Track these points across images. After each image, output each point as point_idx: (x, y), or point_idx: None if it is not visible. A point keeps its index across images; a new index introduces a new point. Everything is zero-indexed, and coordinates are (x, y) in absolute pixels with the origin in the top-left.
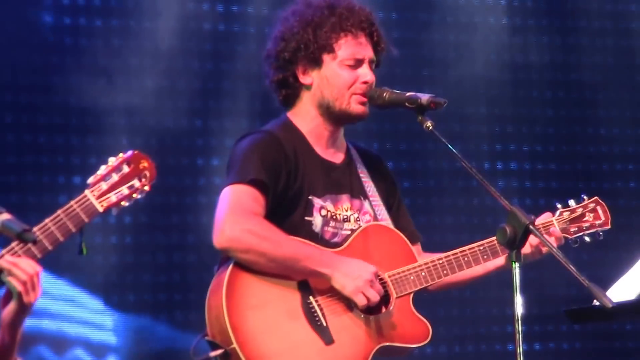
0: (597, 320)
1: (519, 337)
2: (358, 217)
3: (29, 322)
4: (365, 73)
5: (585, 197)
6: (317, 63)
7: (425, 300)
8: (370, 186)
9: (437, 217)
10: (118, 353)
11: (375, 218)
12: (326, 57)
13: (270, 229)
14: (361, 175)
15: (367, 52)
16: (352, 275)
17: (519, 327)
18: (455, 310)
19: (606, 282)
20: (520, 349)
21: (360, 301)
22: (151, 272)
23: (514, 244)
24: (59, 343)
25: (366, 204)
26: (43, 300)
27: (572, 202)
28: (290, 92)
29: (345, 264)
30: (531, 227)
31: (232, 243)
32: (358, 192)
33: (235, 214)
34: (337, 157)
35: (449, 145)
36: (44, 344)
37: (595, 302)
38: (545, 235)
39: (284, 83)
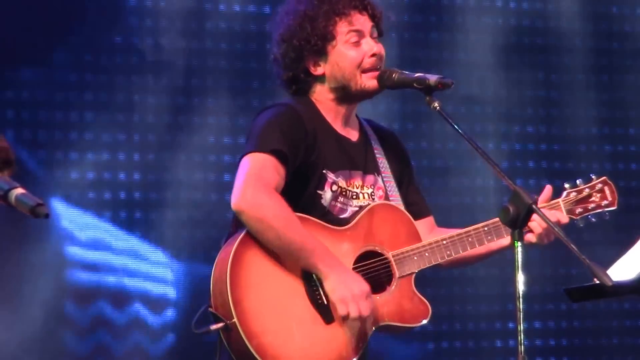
0: (596, 299)
1: (521, 315)
2: (372, 192)
3: (90, 277)
4: (371, 46)
5: (593, 177)
6: (323, 53)
7: (427, 278)
8: (383, 163)
9: (441, 197)
10: (177, 307)
11: (386, 194)
12: (329, 45)
13: (288, 211)
14: (376, 152)
15: (366, 26)
16: (345, 285)
17: (521, 305)
18: (456, 288)
19: (607, 262)
20: (521, 327)
21: (342, 311)
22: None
23: (516, 223)
24: (119, 298)
25: (379, 180)
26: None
27: (579, 182)
28: (302, 86)
29: (343, 273)
30: (534, 206)
31: (250, 209)
32: (372, 169)
33: (258, 183)
34: (353, 135)
35: (455, 126)
36: (105, 299)
37: (595, 281)
38: (548, 215)
39: (296, 80)
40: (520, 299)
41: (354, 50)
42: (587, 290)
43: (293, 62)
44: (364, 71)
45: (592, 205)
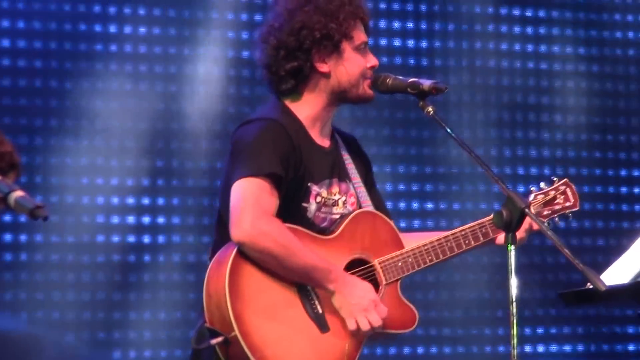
0: (590, 304)
1: (514, 320)
2: (345, 200)
3: None
4: (373, 57)
5: (555, 179)
6: (337, 51)
7: (416, 283)
8: (352, 169)
9: (444, 203)
10: None
11: (358, 200)
12: (346, 45)
13: (287, 236)
14: (344, 158)
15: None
16: (351, 301)
17: (514, 309)
18: (444, 292)
19: (605, 267)
20: (514, 331)
21: (351, 325)
22: None
23: (510, 227)
24: None
25: (351, 186)
26: None
27: (543, 185)
28: (302, 81)
29: (348, 287)
30: (527, 210)
31: (250, 240)
32: (344, 175)
33: (256, 212)
34: (325, 142)
35: (449, 130)
36: None
37: (589, 285)
38: (540, 219)
39: (299, 72)
40: (514, 303)
41: (361, 57)
42: (581, 295)
43: (303, 54)
44: (365, 79)
45: (558, 207)
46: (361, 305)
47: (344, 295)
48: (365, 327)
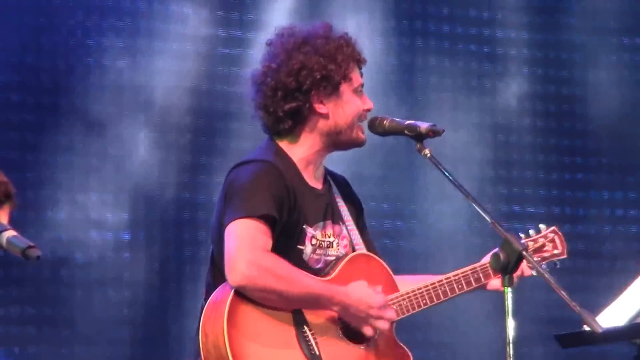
0: (586, 345)
1: None
2: (338, 242)
3: None
4: (368, 100)
5: (543, 227)
6: (336, 93)
7: (418, 323)
8: (345, 210)
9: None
10: None
11: (351, 243)
12: (344, 87)
13: (285, 267)
14: (337, 200)
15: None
16: (357, 312)
17: (511, 350)
18: (444, 334)
19: (600, 307)
20: None
21: (368, 332)
22: None
23: (507, 270)
24: None
25: (344, 228)
26: None
27: (532, 232)
28: (299, 121)
29: (350, 301)
30: (524, 253)
31: (249, 282)
32: (337, 218)
33: (251, 251)
34: (318, 184)
35: (446, 172)
36: None
37: (585, 327)
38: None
39: (297, 113)
40: (511, 344)
41: (358, 100)
42: (577, 337)
43: (302, 94)
44: (360, 122)
45: (547, 254)
46: (369, 310)
47: (350, 312)
48: (384, 326)
